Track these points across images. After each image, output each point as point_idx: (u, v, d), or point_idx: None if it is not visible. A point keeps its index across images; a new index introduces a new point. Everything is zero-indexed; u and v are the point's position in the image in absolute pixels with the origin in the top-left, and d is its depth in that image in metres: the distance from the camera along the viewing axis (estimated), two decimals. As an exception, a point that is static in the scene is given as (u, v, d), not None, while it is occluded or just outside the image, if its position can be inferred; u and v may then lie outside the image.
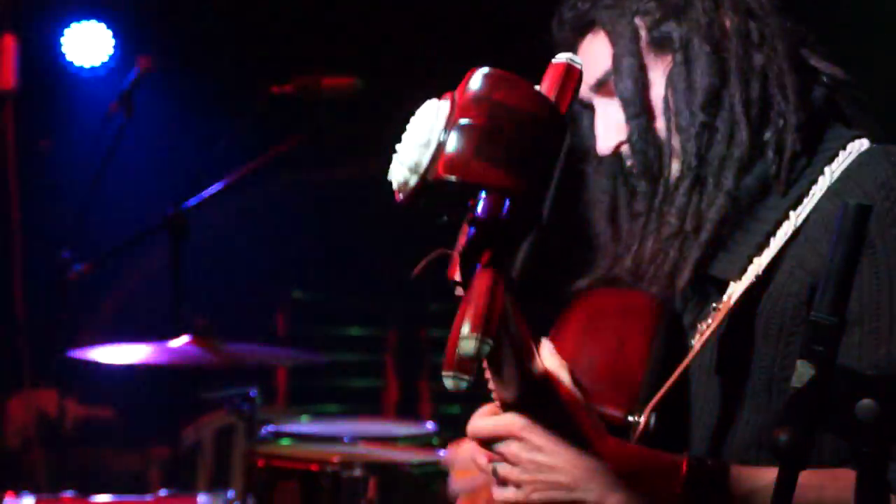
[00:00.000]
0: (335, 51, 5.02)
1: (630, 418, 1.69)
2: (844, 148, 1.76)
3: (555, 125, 1.49)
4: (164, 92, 5.31)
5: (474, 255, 1.47)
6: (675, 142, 1.78)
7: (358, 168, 6.48)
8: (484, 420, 1.70)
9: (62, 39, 5.33)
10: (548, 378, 1.64)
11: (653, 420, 1.68)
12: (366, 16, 5.93)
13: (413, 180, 1.48)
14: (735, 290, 1.73)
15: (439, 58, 6.02)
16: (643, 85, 1.80)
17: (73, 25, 5.33)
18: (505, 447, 1.66)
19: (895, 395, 1.30)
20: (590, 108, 1.89)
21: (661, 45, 1.80)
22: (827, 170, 1.74)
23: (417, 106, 1.51)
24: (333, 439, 3.89)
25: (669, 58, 1.80)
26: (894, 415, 1.29)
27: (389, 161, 1.54)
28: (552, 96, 1.51)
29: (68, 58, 5.33)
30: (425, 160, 1.46)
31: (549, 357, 1.69)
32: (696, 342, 1.76)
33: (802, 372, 1.31)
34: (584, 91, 1.85)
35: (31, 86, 5.37)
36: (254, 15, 5.81)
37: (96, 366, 3.66)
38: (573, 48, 1.89)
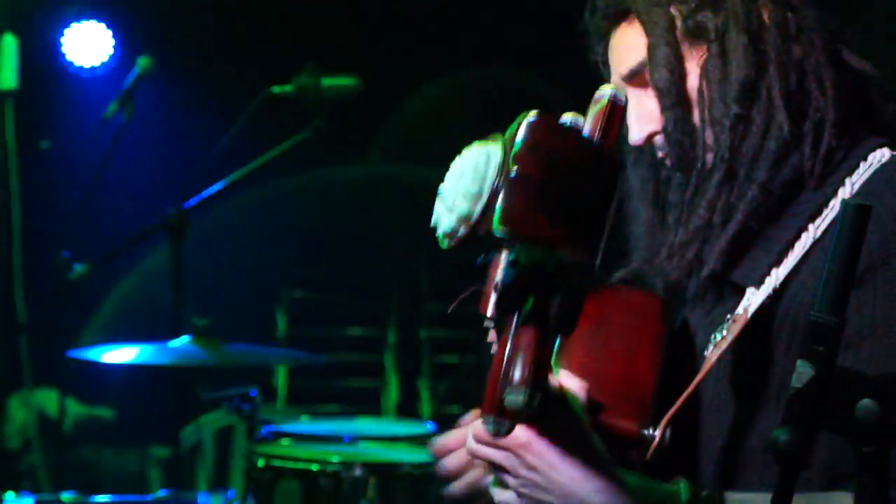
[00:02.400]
0: (335, 51, 5.02)
1: (645, 432, 1.66)
2: (865, 159, 1.74)
3: (609, 173, 1.46)
4: (164, 92, 5.31)
5: (515, 298, 1.46)
6: (709, 133, 1.77)
7: (358, 168, 6.48)
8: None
9: (62, 39, 5.32)
10: (561, 400, 1.63)
11: (667, 434, 1.65)
12: (366, 16, 5.93)
13: (462, 230, 1.47)
14: (752, 301, 1.70)
15: (439, 58, 6.03)
16: (679, 75, 1.78)
17: (73, 25, 5.33)
18: (503, 458, 1.66)
19: (895, 395, 1.30)
20: None
21: (696, 35, 1.78)
22: (847, 181, 1.72)
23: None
24: (333, 439, 3.89)
25: (704, 48, 1.78)
26: (894, 415, 1.29)
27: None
28: (598, 136, 1.49)
29: (68, 58, 5.33)
30: (477, 211, 1.45)
31: (565, 378, 1.68)
32: (712, 353, 1.73)
33: (802, 372, 1.31)
34: (616, 80, 1.84)
35: (31, 86, 5.37)
36: (253, 15, 5.81)
37: (96, 366, 3.66)
38: (605, 37, 1.87)
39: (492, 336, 1.64)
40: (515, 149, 1.43)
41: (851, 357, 1.61)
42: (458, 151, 1.53)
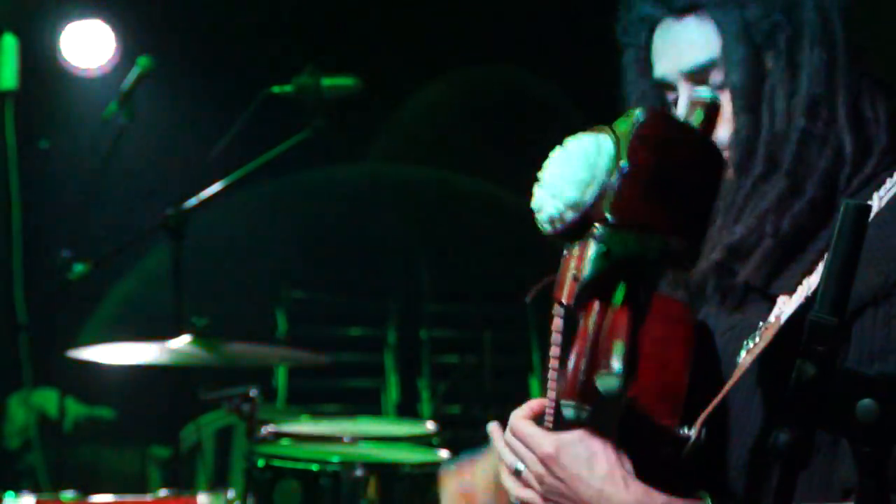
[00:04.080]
0: (335, 51, 5.02)
1: (682, 431, 1.67)
2: (892, 175, 1.72)
3: (715, 164, 1.52)
4: (164, 92, 5.31)
5: (603, 287, 1.49)
6: (771, 143, 1.74)
7: (358, 168, 6.48)
8: (523, 425, 1.72)
9: (62, 39, 5.32)
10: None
11: (703, 434, 1.65)
12: (366, 16, 5.93)
13: (570, 216, 1.50)
14: (784, 309, 1.69)
15: (439, 58, 6.03)
16: (756, 79, 1.75)
17: (73, 25, 5.33)
18: (532, 462, 1.69)
19: (895, 396, 1.30)
20: (668, 87, 1.84)
21: (767, 41, 1.76)
22: (876, 196, 1.70)
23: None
24: (333, 439, 3.89)
25: (772, 55, 1.76)
26: (894, 415, 1.29)
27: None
28: (703, 130, 1.57)
29: (68, 58, 5.33)
30: (588, 198, 1.48)
31: None
32: (744, 359, 1.71)
33: (802, 372, 1.31)
34: (671, 73, 1.82)
35: (31, 86, 5.37)
36: (254, 15, 5.81)
37: (96, 366, 3.66)
38: (650, 22, 1.84)
39: (556, 324, 1.65)
40: (629, 139, 1.48)
41: (878, 368, 1.61)
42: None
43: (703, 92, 1.59)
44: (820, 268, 1.68)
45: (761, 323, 1.71)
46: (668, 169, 1.47)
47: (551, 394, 1.70)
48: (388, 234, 6.26)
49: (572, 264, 1.51)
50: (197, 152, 4.15)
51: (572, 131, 1.63)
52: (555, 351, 1.69)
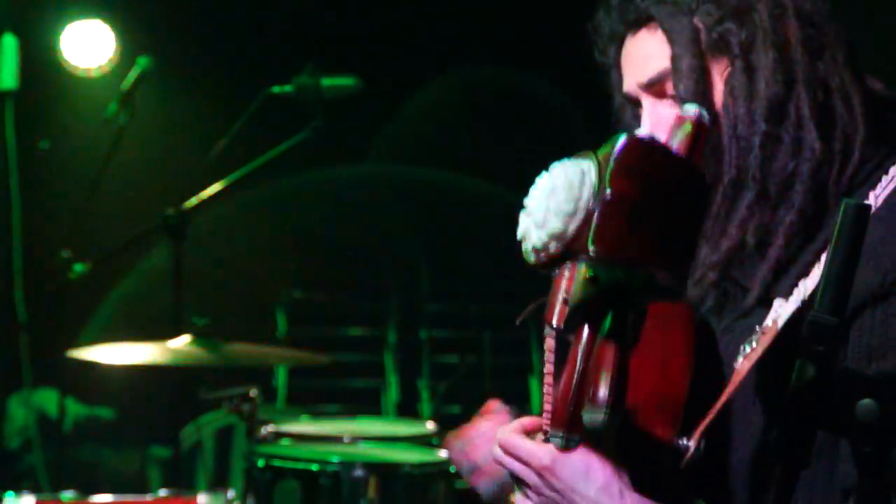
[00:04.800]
0: (335, 51, 5.02)
1: (680, 442, 1.64)
2: (887, 172, 1.69)
3: (699, 191, 1.49)
4: (164, 92, 5.31)
5: (590, 314, 1.48)
6: (735, 150, 1.72)
7: (358, 168, 6.48)
8: (515, 439, 1.71)
9: (62, 39, 5.32)
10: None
11: (702, 444, 1.63)
12: (366, 16, 5.93)
13: (554, 247, 1.48)
14: (781, 312, 1.66)
15: (439, 58, 6.03)
16: (704, 87, 1.73)
17: (73, 25, 5.33)
18: (528, 475, 1.67)
19: (895, 396, 1.30)
20: (636, 103, 1.83)
21: (719, 48, 1.73)
22: (871, 195, 1.68)
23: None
24: (333, 439, 3.89)
25: (726, 61, 1.73)
26: (894, 415, 1.29)
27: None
28: (686, 154, 1.52)
29: (68, 58, 5.33)
30: (571, 230, 1.46)
31: None
32: (742, 364, 1.68)
33: (802, 372, 1.31)
34: (633, 88, 1.81)
35: (31, 86, 5.37)
36: (253, 15, 5.81)
37: (96, 366, 3.66)
38: (619, 40, 1.83)
39: (549, 345, 1.64)
40: (610, 169, 1.45)
41: (876, 368, 1.60)
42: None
43: (690, 108, 1.56)
44: (815, 270, 1.66)
45: (758, 327, 1.69)
46: (650, 198, 1.44)
47: (546, 406, 1.70)
48: (388, 234, 6.26)
49: (562, 286, 1.49)
50: (197, 152, 4.15)
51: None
52: (548, 368, 1.67)
